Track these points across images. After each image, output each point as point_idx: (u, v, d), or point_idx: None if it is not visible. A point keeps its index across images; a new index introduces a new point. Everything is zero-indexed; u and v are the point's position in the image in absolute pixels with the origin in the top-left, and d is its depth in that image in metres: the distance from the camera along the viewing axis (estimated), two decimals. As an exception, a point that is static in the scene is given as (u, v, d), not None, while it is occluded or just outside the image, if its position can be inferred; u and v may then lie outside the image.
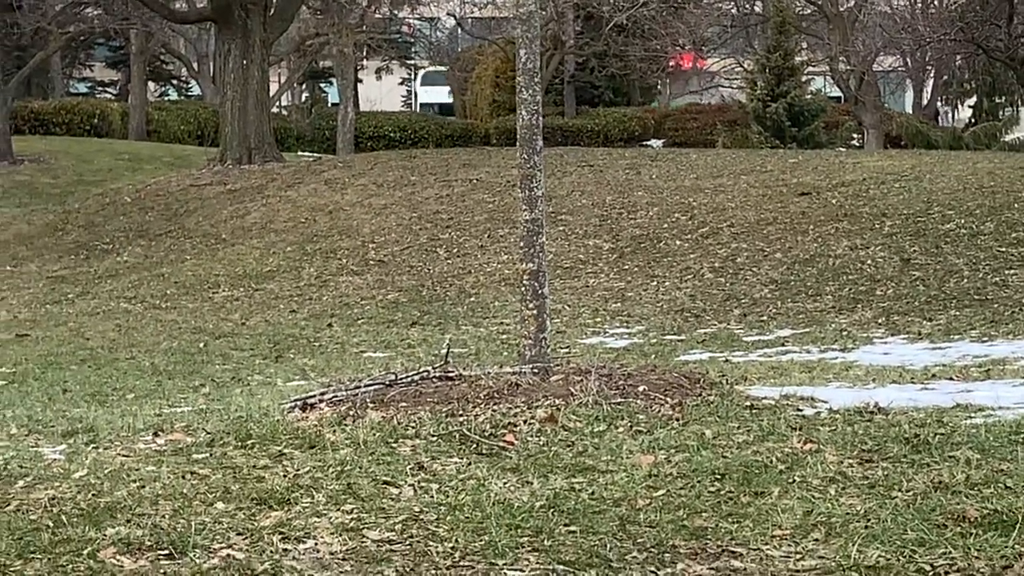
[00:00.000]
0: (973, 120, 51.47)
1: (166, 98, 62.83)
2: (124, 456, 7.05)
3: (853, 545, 5.59)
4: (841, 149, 37.16)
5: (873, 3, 43.99)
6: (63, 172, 36.63)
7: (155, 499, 6.27)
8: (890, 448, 6.85)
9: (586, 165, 23.97)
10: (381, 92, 65.24)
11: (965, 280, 15.37)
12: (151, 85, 58.32)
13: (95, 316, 17.79)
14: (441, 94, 67.41)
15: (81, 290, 19.87)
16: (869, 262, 16.41)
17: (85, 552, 5.66)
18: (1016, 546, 5.51)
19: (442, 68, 65.87)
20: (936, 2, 45.25)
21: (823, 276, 16.13)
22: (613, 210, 20.23)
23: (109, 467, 6.81)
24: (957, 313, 13.93)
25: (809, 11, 42.65)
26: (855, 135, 43.90)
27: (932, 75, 51.45)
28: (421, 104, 68.82)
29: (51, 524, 5.96)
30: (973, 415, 7.66)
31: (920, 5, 45.17)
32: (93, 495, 6.33)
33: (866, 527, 5.78)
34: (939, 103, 55.83)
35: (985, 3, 42.74)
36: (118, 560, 5.60)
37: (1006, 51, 42.65)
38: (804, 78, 41.67)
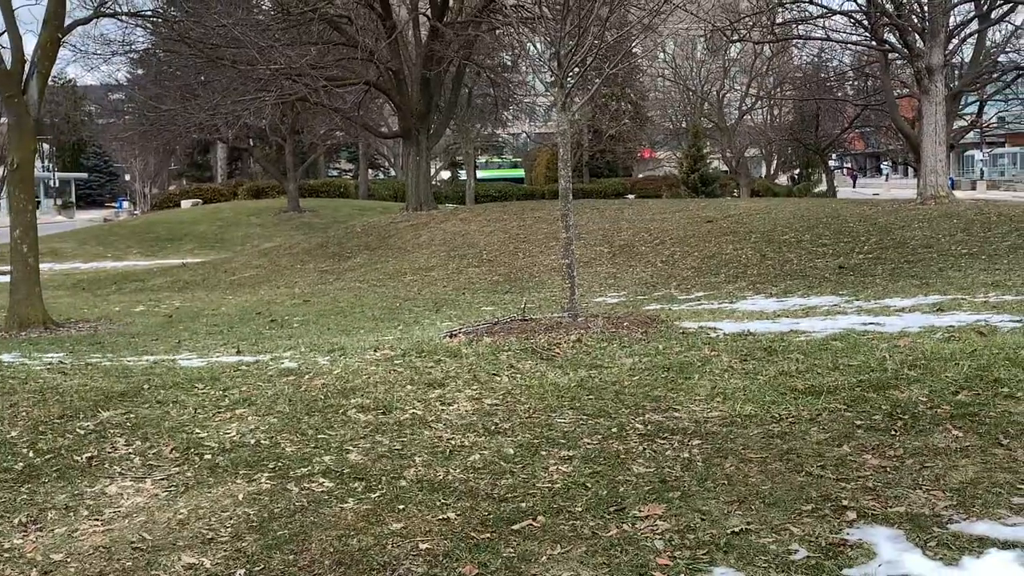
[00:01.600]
0: (797, 181, 50.89)
1: (378, 176, 63.16)
2: (359, 362, 7.11)
3: (737, 404, 5.55)
4: (728, 198, 36.70)
5: (744, 120, 43.80)
6: (324, 216, 36.98)
7: (375, 384, 6.32)
8: (756, 353, 6.78)
9: (595, 209, 23.73)
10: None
11: (794, 265, 15.15)
12: (370, 171, 58.68)
13: (343, 291, 17.92)
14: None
15: (335, 277, 19.99)
16: (743, 257, 16.21)
17: (340, 411, 5.73)
18: (823, 404, 5.45)
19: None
20: (778, 119, 45.13)
21: (719, 264, 15.95)
22: (609, 231, 20.04)
23: (352, 368, 6.88)
24: (790, 283, 13.74)
25: (710, 125, 42.17)
26: (735, 190, 43.33)
27: (775, 157, 50.57)
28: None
29: (323, 396, 6.04)
30: (799, 335, 7.57)
31: (769, 120, 45.00)
32: (343, 382, 6.40)
33: (744, 395, 5.74)
34: (780, 173, 54.86)
35: (803, 120, 42.76)
36: (356, 415, 5.66)
37: (814, 145, 42.54)
38: (708, 161, 41.25)
